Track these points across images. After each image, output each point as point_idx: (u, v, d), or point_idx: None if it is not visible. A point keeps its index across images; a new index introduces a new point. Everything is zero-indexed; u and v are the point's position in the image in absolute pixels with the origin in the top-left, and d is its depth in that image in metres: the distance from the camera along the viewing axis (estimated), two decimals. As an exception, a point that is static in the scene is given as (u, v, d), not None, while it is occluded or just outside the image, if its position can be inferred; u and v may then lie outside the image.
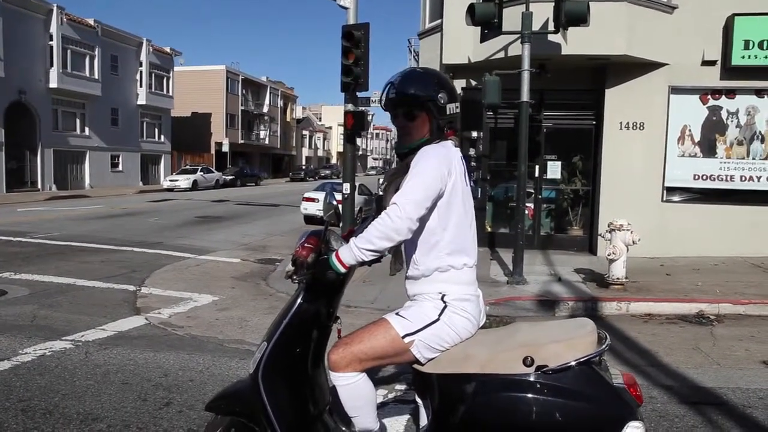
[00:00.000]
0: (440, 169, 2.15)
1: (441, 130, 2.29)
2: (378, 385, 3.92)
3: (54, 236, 11.95)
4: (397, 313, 2.27)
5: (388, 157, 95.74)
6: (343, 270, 2.18)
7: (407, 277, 2.33)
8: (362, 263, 2.17)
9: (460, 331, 2.21)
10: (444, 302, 2.21)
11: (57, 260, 9.20)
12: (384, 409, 2.57)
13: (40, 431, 3.37)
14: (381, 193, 2.43)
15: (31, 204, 20.52)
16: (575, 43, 8.59)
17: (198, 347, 5.09)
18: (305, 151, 70.76)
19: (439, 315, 2.20)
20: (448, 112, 2.28)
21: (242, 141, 49.74)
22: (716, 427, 3.57)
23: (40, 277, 7.79)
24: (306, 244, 2.31)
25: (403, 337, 2.18)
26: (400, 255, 2.37)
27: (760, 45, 9.25)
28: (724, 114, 9.93)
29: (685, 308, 6.67)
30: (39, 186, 26.66)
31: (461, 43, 9.88)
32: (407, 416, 2.50)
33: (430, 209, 2.17)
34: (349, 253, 2.15)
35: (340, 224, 2.23)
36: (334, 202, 2.50)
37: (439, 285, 2.23)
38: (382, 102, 2.37)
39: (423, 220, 2.17)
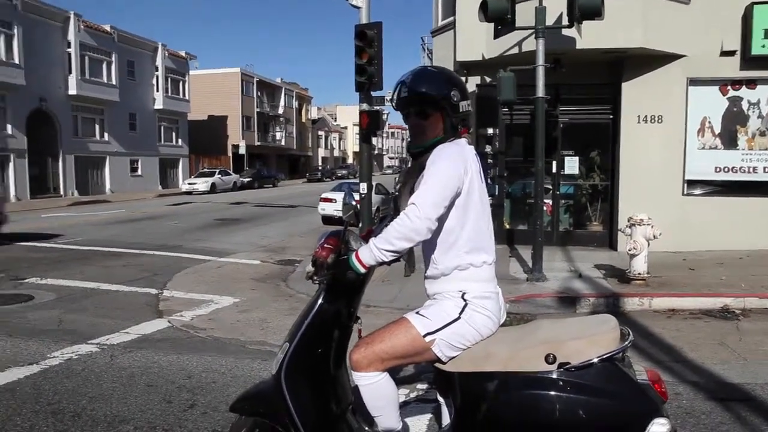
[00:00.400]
0: (457, 168, 2.15)
1: (455, 129, 2.29)
2: (400, 385, 3.92)
3: (77, 241, 12.16)
4: (417, 312, 2.26)
5: (404, 155, 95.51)
6: (363, 270, 2.19)
7: (426, 276, 2.33)
8: (382, 263, 2.17)
9: (481, 329, 2.20)
10: (464, 300, 2.21)
11: (81, 265, 9.34)
12: (406, 408, 2.56)
13: None
14: (396, 193, 2.44)
15: (54, 210, 20.88)
16: (590, 36, 8.52)
17: (220, 349, 5.14)
18: (321, 152, 70.97)
19: (460, 313, 2.19)
20: (461, 110, 2.27)
21: (259, 143, 50.05)
22: (744, 423, 3.52)
23: (65, 282, 7.90)
24: (326, 245, 2.31)
25: (424, 336, 2.18)
26: (413, 258, 2.37)
27: (780, 34, 9.08)
28: (744, 105, 9.76)
29: (709, 303, 6.56)
30: (61, 192, 27.12)
31: (475, 40, 9.85)
32: (429, 415, 2.49)
33: (448, 208, 2.16)
34: (368, 253, 2.16)
35: (359, 224, 2.24)
36: (353, 203, 2.52)
37: (459, 283, 2.23)
38: (394, 101, 2.35)
39: (441, 220, 2.16)
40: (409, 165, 2.45)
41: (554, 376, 2.05)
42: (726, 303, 6.51)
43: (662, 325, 5.90)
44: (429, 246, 2.26)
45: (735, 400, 3.88)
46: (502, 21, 8.03)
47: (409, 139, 2.38)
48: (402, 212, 2.12)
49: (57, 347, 5.08)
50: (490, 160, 11.07)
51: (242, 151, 44.73)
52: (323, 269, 2.28)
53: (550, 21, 8.09)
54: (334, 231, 2.41)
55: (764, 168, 9.77)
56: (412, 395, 3.80)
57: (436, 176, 2.12)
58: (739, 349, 5.04)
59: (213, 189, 32.48)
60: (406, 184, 2.33)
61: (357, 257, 2.18)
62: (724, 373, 4.41)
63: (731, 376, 4.32)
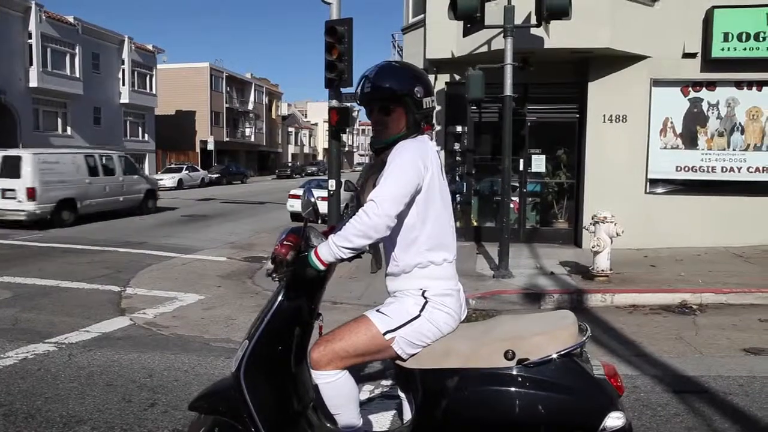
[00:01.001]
0: (416, 163, 2.13)
1: (418, 125, 2.27)
2: (364, 382, 3.94)
3: (36, 237, 11.87)
4: (377, 310, 2.26)
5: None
6: (322, 267, 2.18)
7: (387, 273, 2.33)
8: (341, 260, 2.16)
9: (441, 326, 2.20)
10: (425, 298, 2.20)
11: (40, 262, 9.15)
12: (370, 405, 2.56)
13: None
14: (359, 189, 2.43)
15: (13, 205, 20.30)
16: (558, 36, 8.67)
17: (183, 347, 5.09)
18: (291, 148, 70.47)
19: (420, 311, 2.19)
20: (424, 106, 2.26)
21: (228, 139, 49.44)
22: (698, 414, 3.63)
23: (23, 280, 7.74)
24: (285, 242, 2.30)
25: (384, 334, 2.17)
26: (380, 253, 2.35)
27: (739, 37, 9.36)
28: (704, 106, 10.04)
29: (668, 299, 6.76)
30: (21, 187, 26.33)
31: (444, 38, 9.91)
32: (393, 411, 2.50)
33: (408, 205, 2.15)
34: (327, 250, 2.15)
35: (319, 221, 2.19)
36: (312, 199, 2.47)
37: (420, 281, 2.22)
38: (358, 96, 2.33)
39: (401, 217, 2.15)
40: (371, 161, 2.44)
41: (513, 372, 2.07)
42: (684, 299, 6.71)
43: (623, 320, 6.04)
44: (390, 243, 2.25)
45: (690, 392, 4.00)
46: (471, 19, 8.11)
47: (372, 135, 2.37)
48: (361, 209, 2.10)
49: (11, 347, 4.96)
50: (458, 158, 11.17)
51: (210, 146, 44.09)
52: (283, 266, 2.26)
53: (518, 20, 8.18)
54: (294, 228, 2.40)
55: (722, 168, 10.07)
56: (377, 391, 3.82)
57: (396, 172, 2.10)
58: (695, 343, 5.21)
59: (180, 185, 31.97)
60: (368, 180, 2.30)
61: (316, 254, 2.17)
62: (680, 366, 4.54)
63: (687, 369, 4.45)
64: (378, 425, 2.46)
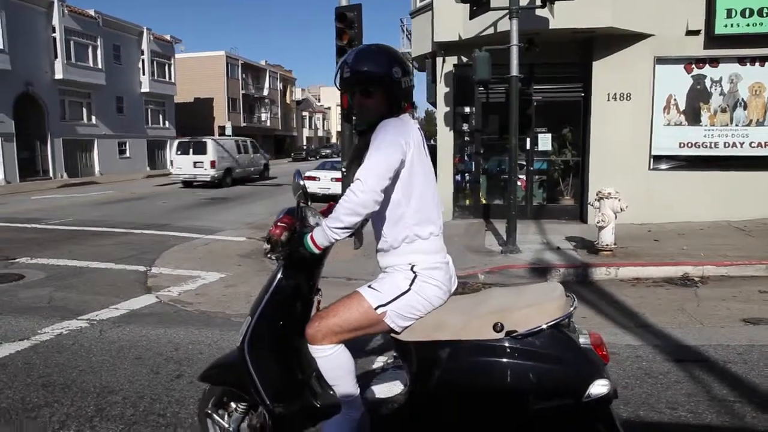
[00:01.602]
0: (398, 139, 2.18)
1: (398, 104, 2.32)
2: (366, 354, 4.07)
3: (67, 222, 12.21)
4: (369, 286, 2.31)
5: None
6: (317, 251, 2.24)
7: (377, 249, 2.38)
8: (336, 241, 2.22)
9: (432, 299, 2.26)
10: (414, 272, 2.25)
11: (71, 244, 9.37)
12: (371, 375, 2.66)
13: (60, 404, 3.55)
14: (345, 171, 2.63)
15: (44, 192, 20.86)
16: (562, 17, 8.73)
17: (206, 322, 5.27)
18: (306, 132, 70.76)
19: (410, 285, 2.24)
20: (403, 86, 2.31)
21: (244, 124, 49.83)
22: (698, 381, 3.73)
23: (56, 261, 8.00)
24: (279, 223, 2.34)
25: (376, 309, 2.24)
26: (360, 233, 2.46)
27: (743, 13, 9.35)
28: (707, 82, 10.06)
29: (671, 271, 6.83)
30: (51, 174, 27.08)
31: (451, 21, 10.01)
32: (393, 381, 2.60)
33: (393, 180, 2.19)
34: (321, 234, 2.21)
35: (309, 202, 2.39)
36: (301, 182, 2.49)
37: (408, 256, 2.28)
38: (337, 82, 2.35)
39: (387, 193, 2.19)
40: (356, 143, 2.49)
41: (502, 343, 2.13)
42: (686, 271, 6.80)
43: (627, 293, 6.16)
44: (378, 220, 2.30)
45: (690, 360, 4.09)
46: (477, 2, 8.21)
47: (355, 118, 2.41)
48: (348, 189, 2.14)
49: (47, 323, 5.16)
50: (467, 138, 11.39)
51: (228, 132, 44.51)
52: (278, 247, 2.30)
53: (523, 2, 8.27)
54: (290, 209, 2.46)
55: (725, 143, 10.11)
56: (378, 363, 3.89)
57: (379, 150, 2.15)
58: (697, 314, 5.31)
59: (201, 170, 32.52)
60: (354, 161, 2.35)
61: (311, 239, 2.23)
62: (681, 336, 4.63)
63: (688, 339, 4.55)
64: (379, 394, 2.53)
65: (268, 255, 2.34)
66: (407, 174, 2.23)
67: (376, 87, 2.29)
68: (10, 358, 4.34)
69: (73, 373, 4.04)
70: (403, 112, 2.34)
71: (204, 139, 22.74)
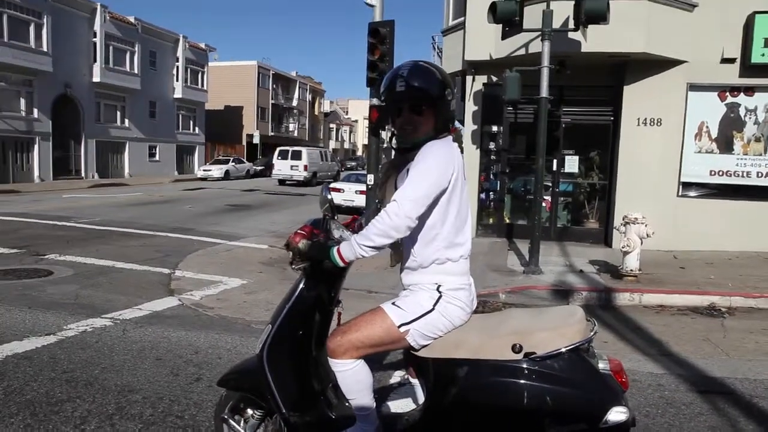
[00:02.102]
0: (447, 167, 2.16)
1: (446, 126, 2.29)
2: (384, 369, 4.07)
3: (96, 221, 12.44)
4: (393, 303, 2.30)
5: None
6: (342, 264, 2.24)
7: (404, 267, 2.36)
8: (361, 257, 2.20)
9: (454, 319, 2.25)
10: (439, 293, 2.25)
11: (98, 244, 9.54)
12: (387, 390, 2.66)
13: (83, 400, 3.61)
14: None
15: (75, 191, 21.32)
16: (595, 40, 8.68)
17: (227, 327, 5.32)
18: (332, 144, 71.33)
19: (434, 305, 2.23)
20: (451, 108, 2.29)
21: (272, 133, 50.50)
22: (722, 415, 3.64)
23: (83, 259, 8.14)
24: (299, 231, 2.36)
25: (399, 327, 2.22)
26: (399, 249, 2.36)
27: (780, 43, 9.23)
28: (742, 111, 9.94)
29: (697, 300, 6.71)
30: (82, 174, 27.79)
31: (483, 40, 10.06)
32: (409, 397, 2.59)
33: (431, 207, 2.17)
34: (349, 249, 2.19)
35: (336, 216, 2.40)
36: (329, 196, 2.52)
37: (436, 276, 2.26)
38: (386, 93, 2.27)
39: (423, 217, 2.17)
40: (393, 158, 2.44)
41: (520, 365, 2.12)
42: (713, 301, 6.67)
43: (651, 320, 6.06)
44: (410, 239, 2.27)
45: (715, 392, 3.98)
46: (510, 23, 8.21)
47: (395, 131, 2.34)
48: (383, 209, 2.12)
49: (73, 320, 5.27)
50: (493, 156, 11.37)
51: (256, 140, 45.16)
52: (297, 255, 2.31)
53: (556, 24, 8.28)
54: (314, 220, 2.50)
55: (757, 173, 9.95)
56: (395, 378, 3.91)
57: (423, 175, 2.11)
58: (723, 345, 5.19)
59: (227, 176, 32.89)
60: (389, 179, 2.33)
61: (338, 252, 2.21)
62: (706, 367, 4.53)
63: (713, 370, 4.45)
64: (394, 409, 2.52)
65: (292, 265, 2.36)
66: (446, 200, 2.21)
67: (428, 106, 2.24)
68: (36, 352, 4.44)
69: (96, 370, 4.12)
70: (448, 133, 2.31)
71: (299, 148, 29.88)
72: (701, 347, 5.13)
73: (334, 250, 2.22)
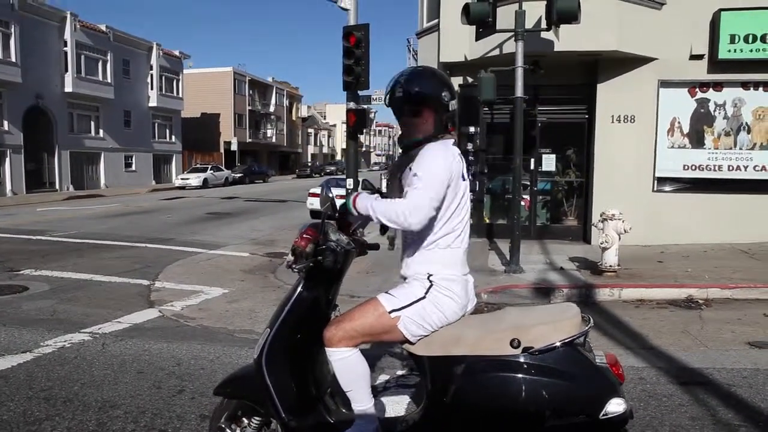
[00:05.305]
0: (449, 171, 2.28)
1: (444, 126, 2.41)
2: (381, 370, 4.10)
3: (72, 234, 12.24)
4: (387, 292, 2.40)
5: (391, 153, 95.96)
6: (354, 212, 2.33)
7: (403, 258, 2.47)
8: (367, 218, 2.33)
9: (445, 310, 2.30)
10: (430, 281, 2.33)
11: (75, 257, 9.40)
12: (386, 391, 2.67)
13: (62, 417, 3.53)
14: (385, 188, 2.57)
15: (49, 204, 20.97)
16: (567, 40, 8.81)
17: (209, 337, 5.27)
18: (311, 149, 71.29)
19: (425, 293, 2.31)
20: (449, 109, 2.40)
21: (250, 140, 50.24)
22: (702, 405, 3.70)
23: (59, 274, 8.00)
24: (305, 235, 2.42)
25: (390, 312, 2.30)
26: (395, 235, 2.52)
27: (746, 39, 9.46)
28: (711, 106, 10.16)
29: (675, 293, 6.82)
30: (57, 186, 27.29)
31: (458, 42, 10.12)
32: (408, 398, 2.61)
33: (438, 209, 2.29)
34: (364, 204, 2.29)
35: (337, 215, 2.40)
36: (331, 195, 2.54)
37: (428, 266, 2.35)
38: (387, 100, 2.44)
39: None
40: (398, 159, 2.57)
41: (518, 359, 2.15)
42: (690, 293, 6.78)
43: (630, 314, 6.15)
44: (411, 232, 2.37)
45: (694, 383, 4.07)
46: (483, 24, 8.27)
47: (399, 134, 2.50)
48: (404, 206, 2.20)
49: (50, 336, 5.18)
50: (471, 158, 11.42)
51: (234, 147, 44.90)
52: (302, 258, 2.38)
53: (529, 24, 8.35)
54: (313, 223, 2.53)
55: (728, 166, 10.17)
56: (392, 381, 3.96)
57: (430, 182, 2.23)
58: (701, 337, 5.29)
59: (205, 184, 32.71)
60: (395, 177, 2.44)
61: (354, 200, 2.33)
62: (685, 358, 4.62)
63: (692, 362, 4.53)
64: (393, 411, 2.53)
65: (292, 266, 2.41)
66: (449, 199, 2.32)
67: (425, 108, 2.38)
68: (12, 371, 4.35)
69: (75, 386, 4.05)
70: (447, 134, 2.43)
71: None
72: (680, 339, 5.21)
73: (351, 198, 2.33)
